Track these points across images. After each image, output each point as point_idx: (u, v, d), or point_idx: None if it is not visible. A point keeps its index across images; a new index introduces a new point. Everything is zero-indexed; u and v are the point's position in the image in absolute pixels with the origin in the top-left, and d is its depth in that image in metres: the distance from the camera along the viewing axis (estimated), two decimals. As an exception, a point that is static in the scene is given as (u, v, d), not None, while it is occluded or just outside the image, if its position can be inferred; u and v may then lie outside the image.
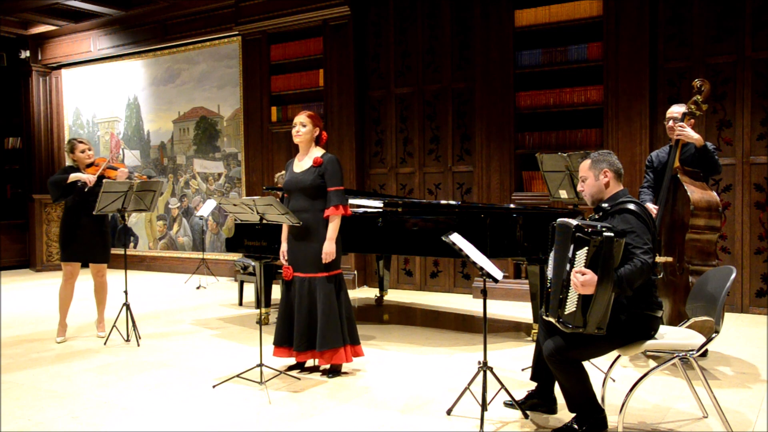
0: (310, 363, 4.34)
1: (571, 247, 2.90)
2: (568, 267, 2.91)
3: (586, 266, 2.83)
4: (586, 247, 2.84)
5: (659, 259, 4.24)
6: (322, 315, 4.05)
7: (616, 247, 2.83)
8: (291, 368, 4.28)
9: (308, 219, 4.07)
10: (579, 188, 3.27)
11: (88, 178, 5.08)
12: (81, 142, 5.27)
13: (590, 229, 2.85)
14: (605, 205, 3.13)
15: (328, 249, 4.05)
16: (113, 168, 5.33)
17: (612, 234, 2.82)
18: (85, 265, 5.38)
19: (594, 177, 3.16)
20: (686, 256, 4.25)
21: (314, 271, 4.08)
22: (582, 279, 2.81)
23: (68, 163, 5.28)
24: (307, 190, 4.09)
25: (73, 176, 5.09)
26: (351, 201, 5.47)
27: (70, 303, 5.39)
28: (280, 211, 3.90)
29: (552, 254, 3.13)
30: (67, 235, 5.20)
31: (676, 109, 4.46)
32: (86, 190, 5.07)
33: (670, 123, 4.44)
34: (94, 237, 5.22)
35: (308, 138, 4.17)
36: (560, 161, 4.72)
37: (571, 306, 2.90)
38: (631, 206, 3.02)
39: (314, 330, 4.09)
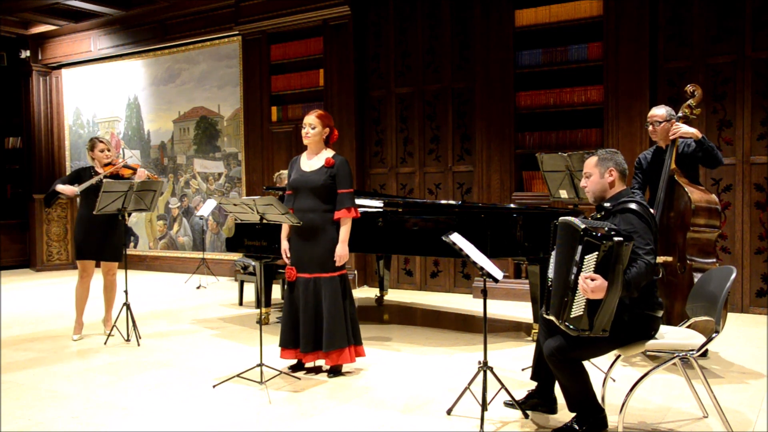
0: (310, 363, 4.34)
1: (579, 250, 2.85)
2: (575, 270, 2.86)
3: (595, 271, 2.81)
4: (596, 252, 2.81)
5: (659, 258, 4.24)
6: (328, 315, 4.04)
7: (625, 250, 2.80)
8: (291, 368, 4.28)
9: (315, 219, 4.06)
10: (582, 184, 3.24)
11: (72, 190, 5.18)
12: (101, 141, 5.40)
13: (599, 233, 2.81)
14: (607, 204, 3.12)
15: (342, 252, 4.05)
16: (128, 167, 5.42)
17: (621, 238, 2.79)
18: (98, 264, 5.42)
19: (599, 174, 3.15)
20: (687, 254, 4.25)
21: (320, 271, 4.07)
22: (593, 285, 2.79)
23: (85, 160, 5.39)
24: (317, 190, 4.08)
25: (60, 188, 5.22)
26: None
27: (86, 301, 5.43)
28: (280, 211, 3.89)
29: (554, 253, 3.11)
30: (80, 233, 5.30)
31: (657, 112, 4.45)
32: (76, 196, 5.23)
33: (651, 127, 4.44)
34: (107, 235, 5.28)
35: (318, 139, 4.14)
36: (560, 161, 4.71)
37: (577, 310, 2.87)
38: (633, 206, 3.02)
39: (320, 330, 4.08)
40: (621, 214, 3.01)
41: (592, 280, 2.79)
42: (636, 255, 2.89)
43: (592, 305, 2.84)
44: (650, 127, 4.44)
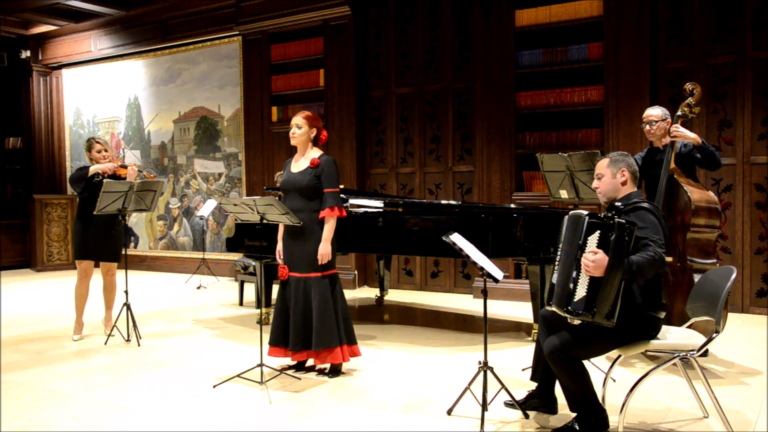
0: (310, 363, 4.34)
1: (583, 234, 2.94)
2: (578, 254, 2.93)
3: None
4: (598, 231, 2.88)
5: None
6: (318, 315, 4.05)
7: (628, 233, 2.85)
8: (291, 368, 4.28)
9: (303, 219, 4.07)
10: (594, 185, 3.28)
11: (107, 166, 5.21)
12: (98, 141, 5.42)
13: (602, 215, 2.92)
14: (618, 204, 3.16)
15: (324, 250, 4.05)
16: (125, 167, 5.44)
17: (624, 221, 2.86)
18: (98, 264, 5.42)
19: (611, 175, 3.19)
20: (687, 255, 4.25)
21: (309, 270, 4.08)
22: (593, 258, 2.83)
23: (85, 160, 5.38)
24: (303, 191, 4.10)
25: (93, 168, 5.23)
26: (351, 201, 5.47)
27: (86, 301, 5.43)
28: (280, 211, 3.90)
29: (561, 247, 3.14)
30: (79, 233, 5.29)
31: (652, 112, 4.45)
32: (101, 179, 5.15)
33: (647, 127, 4.44)
34: (105, 235, 5.28)
35: (304, 139, 4.18)
36: (561, 161, 4.71)
37: (581, 291, 2.90)
38: (646, 205, 3.07)
39: (310, 330, 4.09)
40: (634, 212, 3.06)
41: (594, 254, 2.84)
42: (647, 246, 2.93)
43: (594, 285, 2.86)
44: (646, 128, 4.45)
